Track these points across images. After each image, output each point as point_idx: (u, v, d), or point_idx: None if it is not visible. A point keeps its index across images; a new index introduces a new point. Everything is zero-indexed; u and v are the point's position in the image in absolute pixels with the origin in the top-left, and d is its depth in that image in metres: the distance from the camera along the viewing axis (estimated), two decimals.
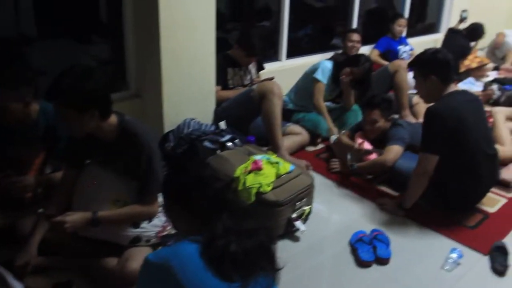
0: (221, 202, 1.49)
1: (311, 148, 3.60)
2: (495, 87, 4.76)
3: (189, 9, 3.02)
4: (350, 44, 4.54)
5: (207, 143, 2.91)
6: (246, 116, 3.34)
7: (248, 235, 1.42)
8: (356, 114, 3.85)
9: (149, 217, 2.14)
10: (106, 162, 2.11)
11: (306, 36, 5.07)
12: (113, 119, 2.02)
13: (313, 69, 3.72)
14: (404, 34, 5.42)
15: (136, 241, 2.12)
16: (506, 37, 6.42)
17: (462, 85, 5.35)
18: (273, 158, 2.64)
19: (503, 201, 2.97)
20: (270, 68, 4.17)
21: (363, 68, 3.65)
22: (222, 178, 1.73)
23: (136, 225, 2.12)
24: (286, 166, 2.60)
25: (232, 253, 1.35)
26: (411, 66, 2.84)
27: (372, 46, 5.24)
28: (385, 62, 5.09)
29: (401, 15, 5.31)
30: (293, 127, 3.55)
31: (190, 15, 3.04)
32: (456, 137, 2.56)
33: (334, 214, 2.83)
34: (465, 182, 2.65)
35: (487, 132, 2.78)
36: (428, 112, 2.62)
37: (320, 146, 3.64)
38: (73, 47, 3.45)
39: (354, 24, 5.04)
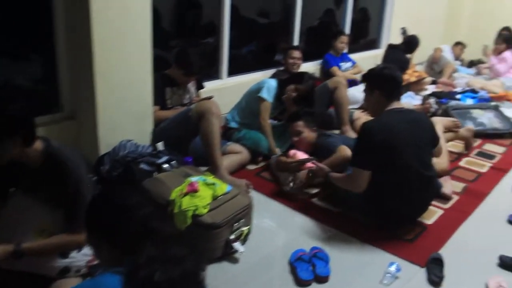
0: (145, 230, 1.43)
1: (252, 167, 3.57)
2: (432, 100, 4.91)
3: (123, 28, 2.96)
4: (291, 61, 4.59)
5: (143, 165, 2.84)
6: (184, 136, 3.29)
7: (175, 262, 1.36)
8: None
9: (78, 246, 2.03)
10: (31, 190, 2.02)
11: (249, 53, 5.08)
12: (39, 144, 1.93)
13: (258, 88, 3.71)
14: (346, 50, 5.54)
15: (64, 272, 2.02)
16: (442, 52, 6.69)
17: (402, 99, 5.52)
18: (210, 179, 2.60)
19: (439, 212, 3.03)
20: (210, 86, 4.15)
21: (307, 85, 3.68)
22: (153, 202, 1.67)
23: (65, 255, 2.02)
24: (223, 187, 2.56)
25: (156, 283, 1.28)
26: (362, 80, 2.93)
27: (315, 62, 5.33)
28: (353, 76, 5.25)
29: (343, 32, 5.42)
30: (233, 146, 3.52)
31: (124, 33, 2.98)
32: (385, 155, 2.58)
33: (274, 233, 2.80)
34: (397, 201, 2.66)
35: (424, 154, 2.72)
36: (361, 127, 2.68)
37: (262, 164, 3.62)
38: (6, 65, 3.30)
39: (296, 41, 5.10)
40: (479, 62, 7.10)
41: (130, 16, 2.98)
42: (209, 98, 3.47)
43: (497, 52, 6.18)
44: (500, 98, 5.56)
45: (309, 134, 3.46)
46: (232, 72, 4.50)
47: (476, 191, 3.37)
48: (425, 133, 2.74)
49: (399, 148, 2.59)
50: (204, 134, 3.15)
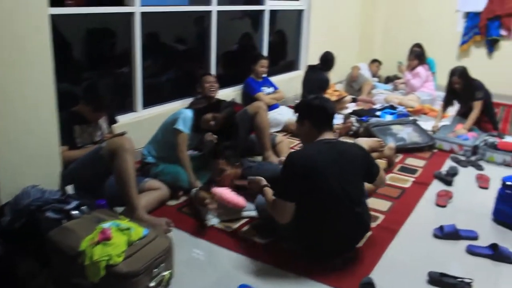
0: None
1: (173, 202, 3.38)
2: (353, 119, 4.97)
3: (21, 69, 2.71)
4: (207, 85, 4.43)
5: (49, 213, 2.56)
6: (97, 176, 3.04)
7: None
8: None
9: None
10: None
11: (168, 81, 4.91)
12: None
13: (173, 119, 3.55)
14: (265, 74, 5.52)
15: None
16: (360, 69, 6.87)
17: None
18: (124, 223, 2.39)
19: (368, 233, 2.99)
20: (125, 120, 3.96)
21: (226, 113, 3.56)
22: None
23: None
24: (138, 231, 2.36)
25: None
26: (294, 110, 2.92)
27: (235, 87, 5.25)
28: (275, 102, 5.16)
29: (262, 56, 5.37)
30: (152, 182, 3.32)
31: (22, 74, 2.73)
32: (308, 185, 2.49)
33: (199, 273, 2.61)
34: (323, 234, 2.57)
35: (352, 189, 2.56)
36: (286, 157, 2.61)
37: (183, 199, 3.44)
38: None
39: (212, 66, 4.96)
40: (395, 77, 7.35)
41: (27, 56, 2.74)
42: (122, 134, 3.27)
43: (411, 68, 6.42)
44: (417, 112, 5.75)
45: (231, 170, 3.36)
46: (150, 102, 4.31)
47: (402, 208, 3.38)
48: (354, 167, 2.62)
49: (322, 179, 2.49)
50: (117, 173, 2.93)
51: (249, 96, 5.08)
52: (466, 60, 7.06)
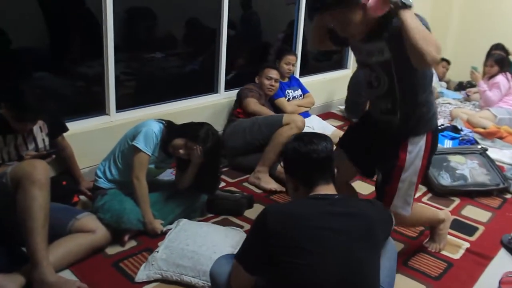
0: None
1: (114, 250, 2.43)
2: None
3: None
4: (267, 82, 3.74)
5: None
6: (5, 212, 2.16)
7: None
8: (195, 199, 2.81)
9: None
10: None
11: (156, 77, 3.86)
12: None
13: (135, 133, 2.61)
14: (297, 74, 4.43)
15: None
16: None
17: None
18: None
19: None
20: (92, 125, 3.11)
21: (203, 147, 2.58)
22: None
23: None
24: None
25: None
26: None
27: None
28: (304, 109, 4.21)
29: (288, 50, 4.28)
30: (86, 221, 2.36)
31: None
32: (280, 261, 1.57)
33: None
34: None
35: (362, 273, 1.60)
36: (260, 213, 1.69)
37: (130, 245, 2.49)
38: None
39: (222, 64, 3.96)
40: (470, 85, 5.98)
41: None
42: (47, 155, 2.38)
43: (488, 76, 5.07)
44: (490, 135, 4.45)
45: None
46: (128, 104, 3.40)
47: None
48: (368, 238, 1.66)
49: (307, 253, 1.55)
50: (19, 212, 2.03)
51: (270, 101, 4.02)
52: None
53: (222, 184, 3.19)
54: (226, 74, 4.05)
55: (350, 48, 2.36)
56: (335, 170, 2.25)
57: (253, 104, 3.57)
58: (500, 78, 4.90)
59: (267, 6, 4.80)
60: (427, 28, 1.87)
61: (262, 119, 3.45)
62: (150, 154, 2.55)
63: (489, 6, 6.39)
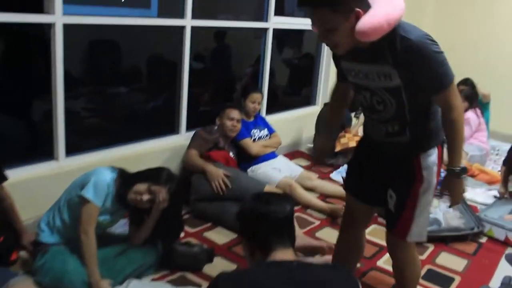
0: None
1: None
2: None
3: None
4: (229, 122, 3.50)
5: None
6: None
7: None
8: (149, 254, 2.55)
9: None
10: None
11: (112, 117, 3.68)
12: None
13: (84, 181, 2.36)
14: (263, 112, 4.26)
15: None
16: None
17: (335, 175, 4.25)
18: None
19: None
20: (39, 172, 2.86)
21: (169, 189, 2.37)
22: None
23: None
24: None
25: None
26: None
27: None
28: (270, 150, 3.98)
29: (254, 88, 4.08)
30: (21, 285, 2.11)
31: None
32: None
33: None
34: None
35: None
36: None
37: None
38: None
39: (184, 101, 3.75)
40: None
41: None
42: None
43: None
44: None
45: None
46: (80, 148, 3.13)
47: None
48: None
49: None
50: None
51: (233, 142, 3.82)
52: None
53: (181, 234, 2.95)
54: (191, 112, 3.84)
55: (339, 68, 2.05)
56: (352, 217, 2.20)
57: (194, 157, 3.34)
58: (470, 115, 4.81)
59: (238, 38, 4.67)
60: (440, 55, 1.70)
61: (245, 178, 3.31)
62: (100, 206, 2.30)
63: (460, 34, 6.37)
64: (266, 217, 1.57)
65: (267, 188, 3.14)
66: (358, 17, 1.63)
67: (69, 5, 2.86)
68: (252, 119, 4.00)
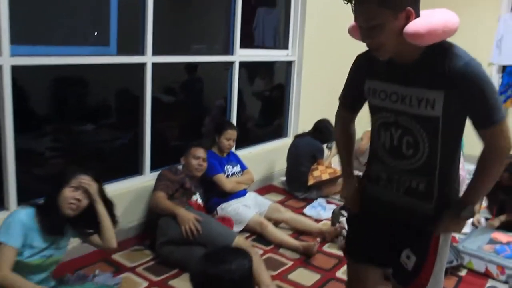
0: None
1: None
2: (344, 220, 3.47)
3: None
4: (194, 162, 3.39)
5: None
6: None
7: None
8: None
9: None
10: None
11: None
12: None
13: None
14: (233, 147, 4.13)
15: None
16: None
17: (309, 210, 4.10)
18: None
19: None
20: None
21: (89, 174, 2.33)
22: None
23: None
24: None
25: None
26: None
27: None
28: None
29: (230, 125, 3.95)
30: None
31: None
32: None
33: None
34: None
35: None
36: None
37: None
38: None
39: (147, 140, 3.58)
40: None
41: None
42: None
43: None
44: None
45: None
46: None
47: None
48: None
49: None
50: None
51: (206, 178, 3.67)
52: None
53: (144, 283, 2.76)
54: (158, 149, 3.68)
55: (358, 91, 1.70)
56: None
57: (162, 200, 3.16)
58: None
59: (208, 70, 4.55)
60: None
61: (217, 225, 3.15)
62: (16, 246, 2.10)
63: None
64: (219, 279, 1.41)
65: (237, 241, 2.96)
66: (408, 17, 1.42)
67: (19, 45, 2.73)
68: (225, 156, 3.88)
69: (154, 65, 3.46)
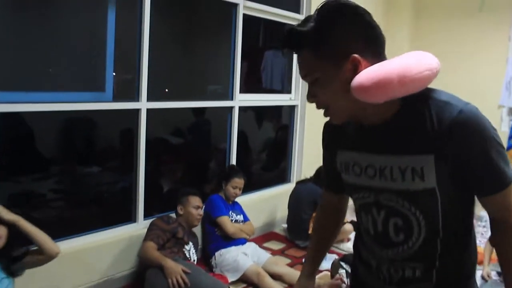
0: None
1: None
2: (343, 272, 3.29)
3: None
4: (194, 211, 3.39)
5: None
6: None
7: None
8: None
9: None
10: None
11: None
12: None
13: None
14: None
15: None
16: None
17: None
18: None
19: None
20: None
21: None
22: None
23: None
24: None
25: None
26: None
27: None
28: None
29: (238, 173, 3.86)
30: None
31: None
32: None
33: None
34: None
35: None
36: None
37: None
38: None
39: (141, 188, 3.46)
40: None
41: None
42: None
43: None
44: None
45: None
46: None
47: None
48: None
49: None
50: None
51: (209, 218, 3.62)
52: None
53: None
54: (153, 196, 3.59)
55: (334, 166, 1.36)
56: None
57: (150, 250, 3.04)
58: None
59: (211, 114, 4.50)
60: (499, 138, 1.12)
61: (206, 278, 3.05)
62: None
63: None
64: None
65: None
66: (356, 67, 1.10)
67: (5, 92, 2.72)
68: (230, 203, 3.84)
69: (150, 110, 3.42)
